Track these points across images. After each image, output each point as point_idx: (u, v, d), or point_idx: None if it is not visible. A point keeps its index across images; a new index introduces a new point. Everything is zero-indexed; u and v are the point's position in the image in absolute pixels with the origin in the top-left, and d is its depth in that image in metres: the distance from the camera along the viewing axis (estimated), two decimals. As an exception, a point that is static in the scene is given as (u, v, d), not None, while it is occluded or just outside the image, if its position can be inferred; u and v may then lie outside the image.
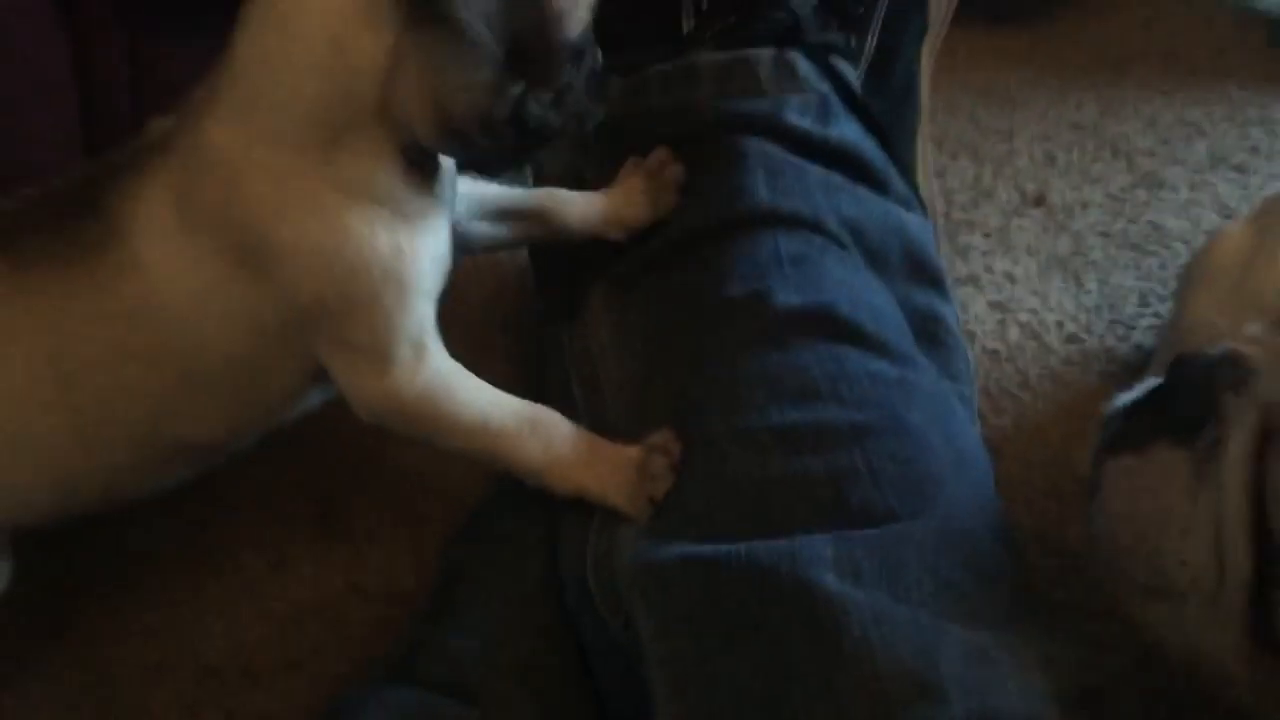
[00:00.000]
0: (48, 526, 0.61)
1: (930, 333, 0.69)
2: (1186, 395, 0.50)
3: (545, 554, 0.62)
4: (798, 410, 0.57)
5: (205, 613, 0.72)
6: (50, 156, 0.75)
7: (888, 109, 0.76)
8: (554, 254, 0.73)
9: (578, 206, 0.67)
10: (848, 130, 0.71)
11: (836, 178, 0.69)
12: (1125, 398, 0.55)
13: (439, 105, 0.53)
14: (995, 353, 0.88)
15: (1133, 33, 1.26)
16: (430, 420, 0.58)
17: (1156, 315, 0.91)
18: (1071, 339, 0.90)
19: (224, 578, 0.74)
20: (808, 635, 0.49)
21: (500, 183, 0.66)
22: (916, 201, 0.74)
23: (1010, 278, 0.95)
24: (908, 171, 0.78)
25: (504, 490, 0.67)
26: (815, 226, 0.65)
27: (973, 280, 0.94)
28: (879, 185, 0.71)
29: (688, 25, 0.73)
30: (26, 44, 0.71)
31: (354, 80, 0.52)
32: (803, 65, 0.71)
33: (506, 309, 0.89)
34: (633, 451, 0.58)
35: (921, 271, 0.71)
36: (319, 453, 0.79)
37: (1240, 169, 1.07)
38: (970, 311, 0.91)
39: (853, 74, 0.74)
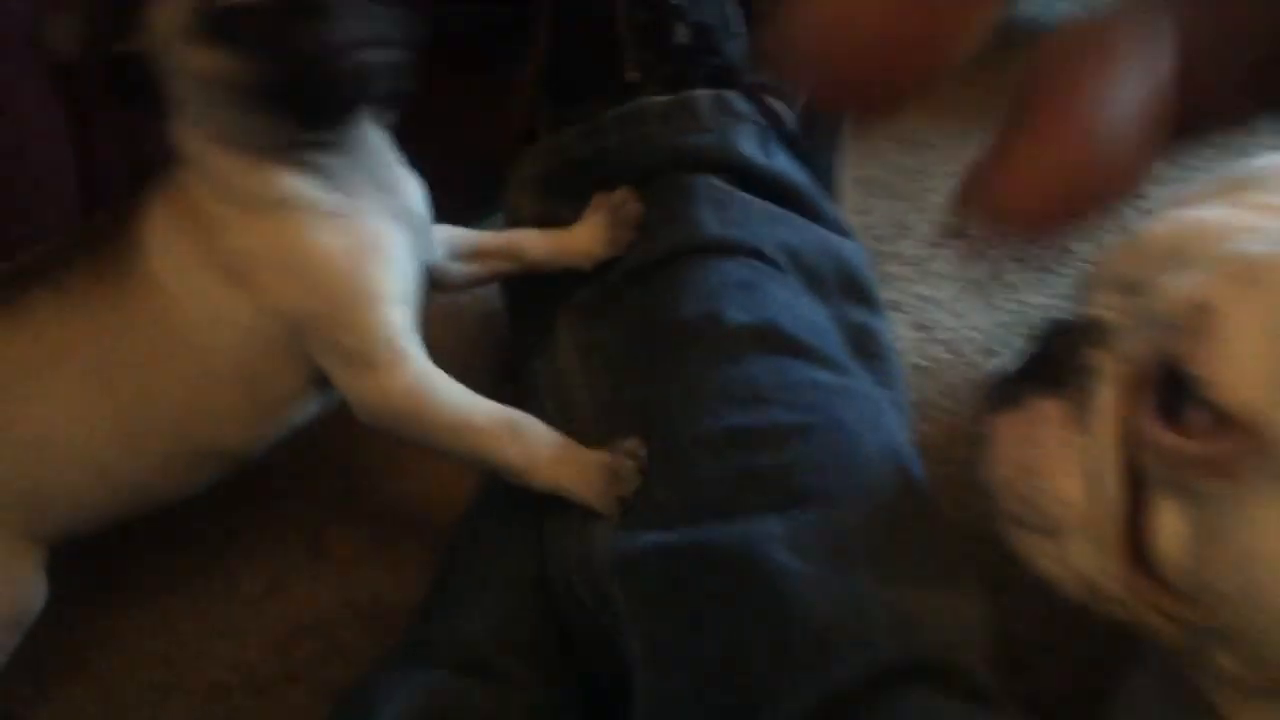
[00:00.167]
0: (89, 534, 0.67)
1: (865, 346, 0.76)
2: (1057, 354, 0.54)
3: (534, 550, 0.68)
4: (748, 414, 0.64)
5: (208, 634, 0.76)
6: (49, 222, 0.80)
7: (816, 142, 0.84)
8: (523, 288, 0.80)
9: (545, 242, 0.74)
10: (784, 162, 0.79)
11: (775, 208, 0.76)
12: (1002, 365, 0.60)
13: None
14: (920, 368, 0.96)
15: (1032, 77, 1.36)
16: (416, 420, 0.63)
17: (1066, 329, 1.00)
18: (989, 353, 0.98)
19: (223, 603, 0.78)
20: (759, 602, 0.56)
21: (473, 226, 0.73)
22: (843, 226, 0.82)
23: (931, 301, 1.03)
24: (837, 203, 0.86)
25: (492, 496, 0.73)
26: (758, 254, 0.72)
27: (896, 306, 1.02)
28: (814, 214, 0.78)
29: (632, 76, 0.80)
30: (24, 116, 0.77)
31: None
32: (739, 103, 0.79)
33: (483, 354, 0.96)
34: (603, 455, 0.64)
35: (855, 291, 0.78)
36: (307, 487, 0.85)
37: (1139, 194, 1.17)
38: (896, 333, 0.98)
39: (786, 110, 0.82)
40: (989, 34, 1.26)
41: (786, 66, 0.58)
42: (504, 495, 0.69)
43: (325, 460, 0.86)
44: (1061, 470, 0.52)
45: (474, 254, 0.74)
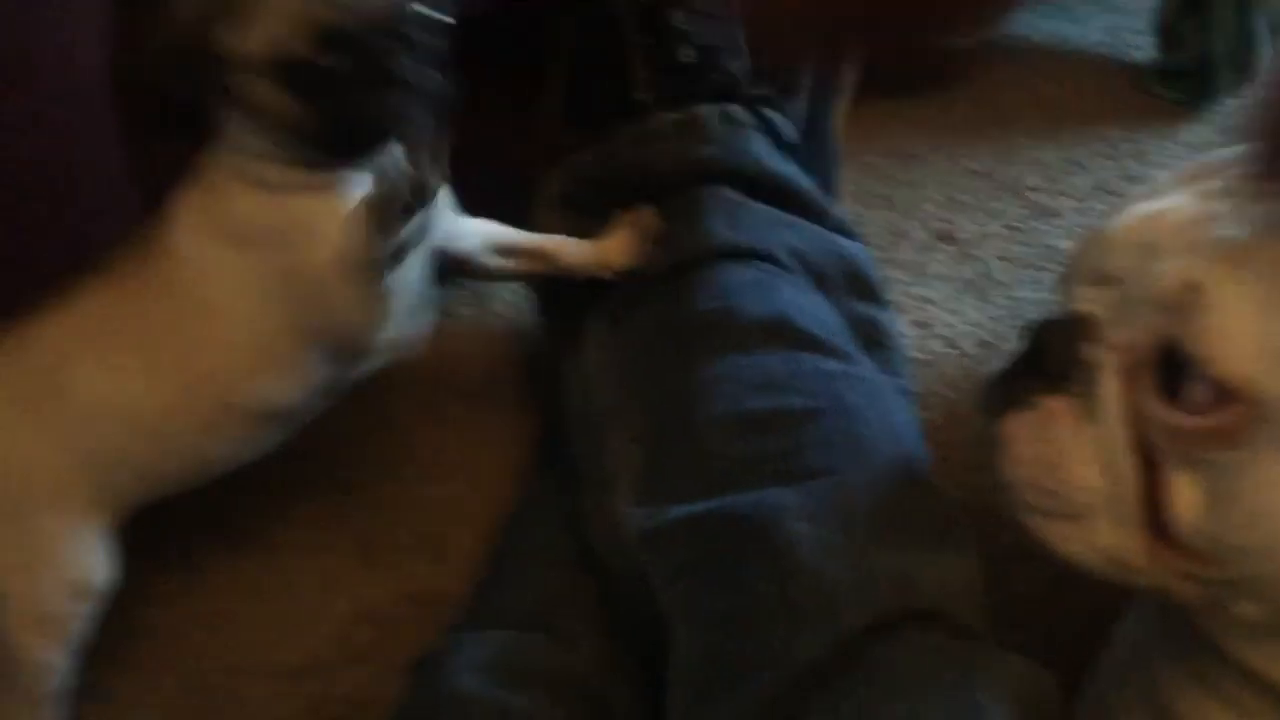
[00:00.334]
0: (155, 499, 0.73)
1: (871, 337, 0.82)
2: (1052, 352, 0.57)
3: (574, 528, 0.75)
4: (761, 400, 0.71)
5: (271, 625, 0.82)
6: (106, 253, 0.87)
7: (815, 155, 0.91)
8: (552, 294, 0.87)
9: (576, 249, 0.81)
10: (788, 169, 0.85)
11: (782, 213, 0.83)
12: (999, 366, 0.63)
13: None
14: (921, 361, 1.02)
15: (1017, 90, 1.43)
16: None
17: (1056, 321, 1.07)
18: (985, 345, 1.05)
19: (284, 598, 0.84)
20: (775, 564, 0.62)
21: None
22: (847, 228, 0.88)
23: (928, 300, 1.10)
24: (836, 209, 0.93)
25: (533, 488, 0.80)
26: (768, 256, 0.79)
27: (896, 305, 1.07)
28: (818, 217, 0.85)
29: (643, 96, 0.87)
30: (82, 147, 0.83)
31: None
32: (744, 116, 0.86)
33: (513, 366, 1.02)
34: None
35: (860, 287, 0.84)
36: (356, 490, 0.91)
37: (1119, 194, 1.23)
38: (897, 333, 1.06)
39: (786, 123, 0.89)
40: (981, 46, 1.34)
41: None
42: (543, 486, 0.76)
43: (374, 464, 0.92)
44: (1078, 460, 0.55)
45: (509, 250, 0.80)
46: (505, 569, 0.76)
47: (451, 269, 0.78)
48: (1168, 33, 1.41)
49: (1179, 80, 1.40)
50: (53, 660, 0.71)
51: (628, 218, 0.82)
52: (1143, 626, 0.66)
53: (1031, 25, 1.57)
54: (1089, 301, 0.57)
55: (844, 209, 0.97)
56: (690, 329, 0.76)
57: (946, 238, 1.19)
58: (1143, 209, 0.57)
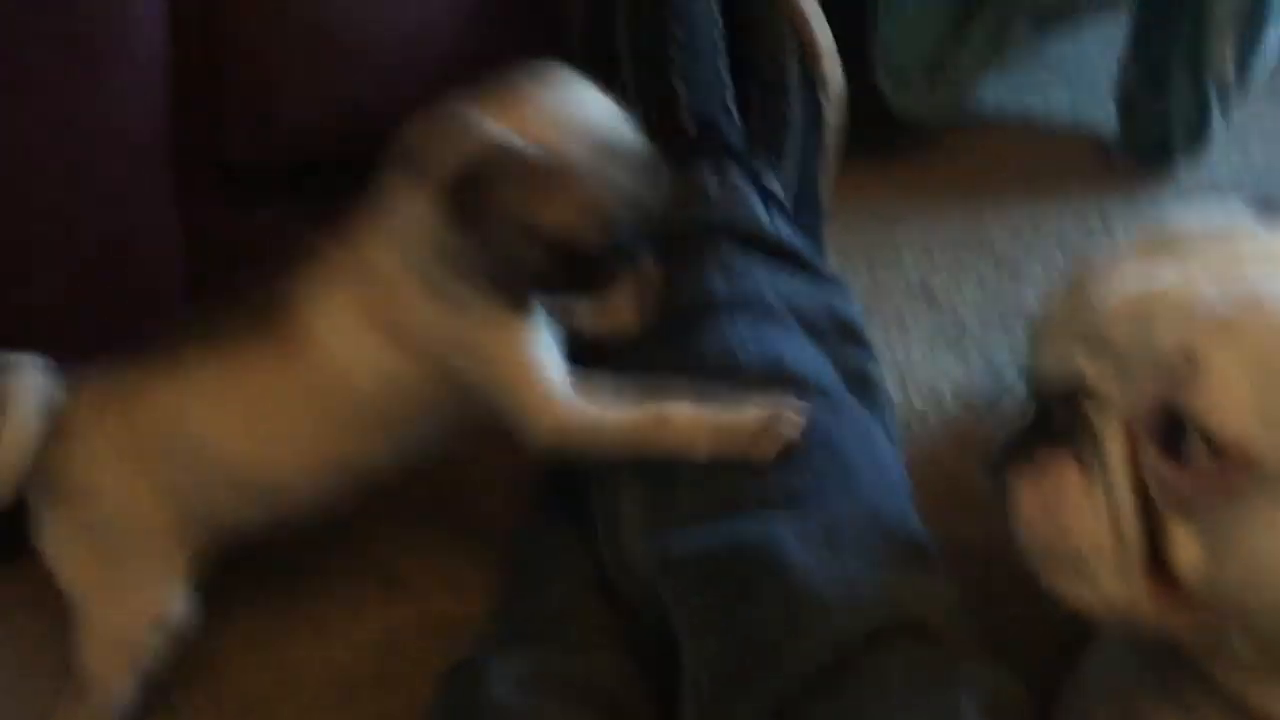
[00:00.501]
0: (237, 542, 0.80)
1: (860, 381, 0.89)
2: (1058, 414, 0.61)
3: (588, 549, 0.81)
4: None
5: (304, 648, 0.89)
6: (157, 309, 0.93)
7: (805, 216, 0.99)
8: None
9: (590, 310, 0.85)
10: (782, 228, 0.92)
11: (777, 268, 0.90)
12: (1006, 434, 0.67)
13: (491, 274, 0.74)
14: (900, 409, 1.09)
15: (990, 157, 1.51)
16: (585, 444, 0.76)
17: (1028, 373, 1.14)
18: (958, 394, 1.12)
19: (312, 628, 0.91)
20: (776, 586, 0.70)
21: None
22: (839, 282, 0.95)
23: (907, 353, 1.17)
24: (825, 265, 1.00)
25: (541, 510, 0.86)
26: (763, 306, 0.86)
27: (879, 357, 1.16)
28: (810, 271, 0.92)
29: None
30: (135, 204, 0.90)
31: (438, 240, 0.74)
32: (740, 180, 0.93)
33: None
34: (749, 416, 0.75)
35: (849, 335, 0.91)
36: (376, 527, 0.98)
37: (1084, 253, 1.32)
38: (883, 380, 1.13)
39: (778, 186, 0.96)
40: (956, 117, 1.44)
41: None
42: (552, 513, 0.83)
43: (394, 495, 0.99)
44: (1085, 516, 0.59)
45: None
46: (523, 589, 0.82)
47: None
48: (1127, 104, 1.51)
49: (1138, 148, 1.49)
50: (123, 684, 0.78)
51: (632, 276, 0.87)
52: (1115, 655, 0.72)
53: (1002, 96, 1.66)
54: (1086, 366, 0.62)
55: (830, 265, 1.05)
56: (692, 370, 0.82)
57: (923, 294, 1.27)
58: (1128, 279, 0.62)
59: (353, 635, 0.90)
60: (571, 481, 0.86)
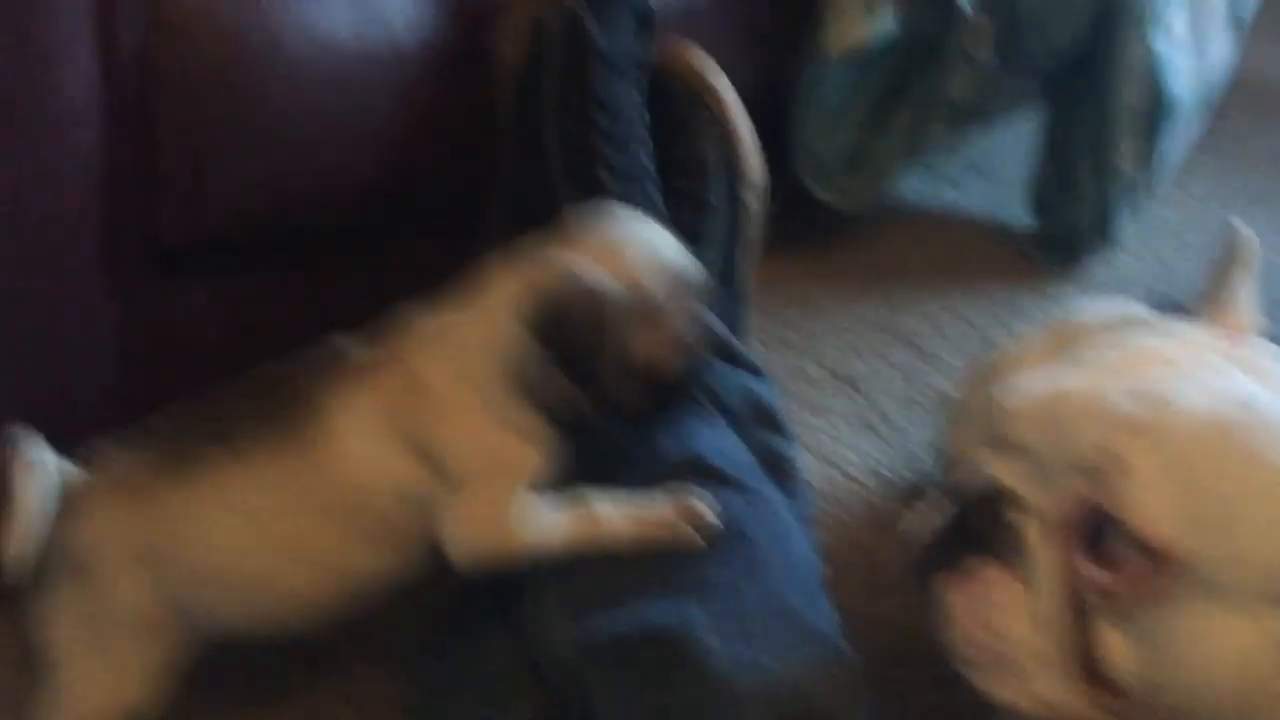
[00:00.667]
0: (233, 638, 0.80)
1: (776, 466, 0.91)
2: (980, 520, 0.62)
3: (513, 638, 0.82)
4: None
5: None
6: (91, 393, 0.93)
7: (726, 303, 1.02)
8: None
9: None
10: (705, 315, 0.95)
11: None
12: (920, 525, 0.68)
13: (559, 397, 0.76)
14: (819, 490, 1.12)
15: (908, 249, 1.57)
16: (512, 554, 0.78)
17: (941, 456, 1.18)
18: (876, 474, 1.15)
19: (233, 702, 0.91)
20: (690, 673, 0.72)
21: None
22: (759, 369, 0.98)
23: (826, 436, 1.21)
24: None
25: (467, 600, 0.87)
26: None
27: (797, 440, 1.19)
28: (730, 358, 0.95)
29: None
30: (71, 289, 0.90)
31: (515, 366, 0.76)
32: None
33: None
34: (668, 507, 0.78)
35: (767, 421, 0.94)
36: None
37: (996, 343, 1.36)
38: (799, 463, 1.16)
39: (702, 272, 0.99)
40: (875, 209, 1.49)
41: None
42: (478, 598, 0.84)
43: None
44: (1014, 619, 0.59)
45: None
46: (451, 675, 0.83)
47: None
48: (1039, 201, 1.57)
49: (1049, 243, 1.55)
50: None
51: None
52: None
53: (921, 192, 1.72)
54: (1001, 469, 0.63)
55: (752, 351, 1.08)
56: (612, 459, 0.84)
57: (843, 379, 1.30)
58: (1040, 385, 0.63)
59: (279, 715, 0.89)
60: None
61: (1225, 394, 0.59)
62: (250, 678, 0.92)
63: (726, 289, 1.04)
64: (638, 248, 0.78)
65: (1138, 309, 0.96)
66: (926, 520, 0.67)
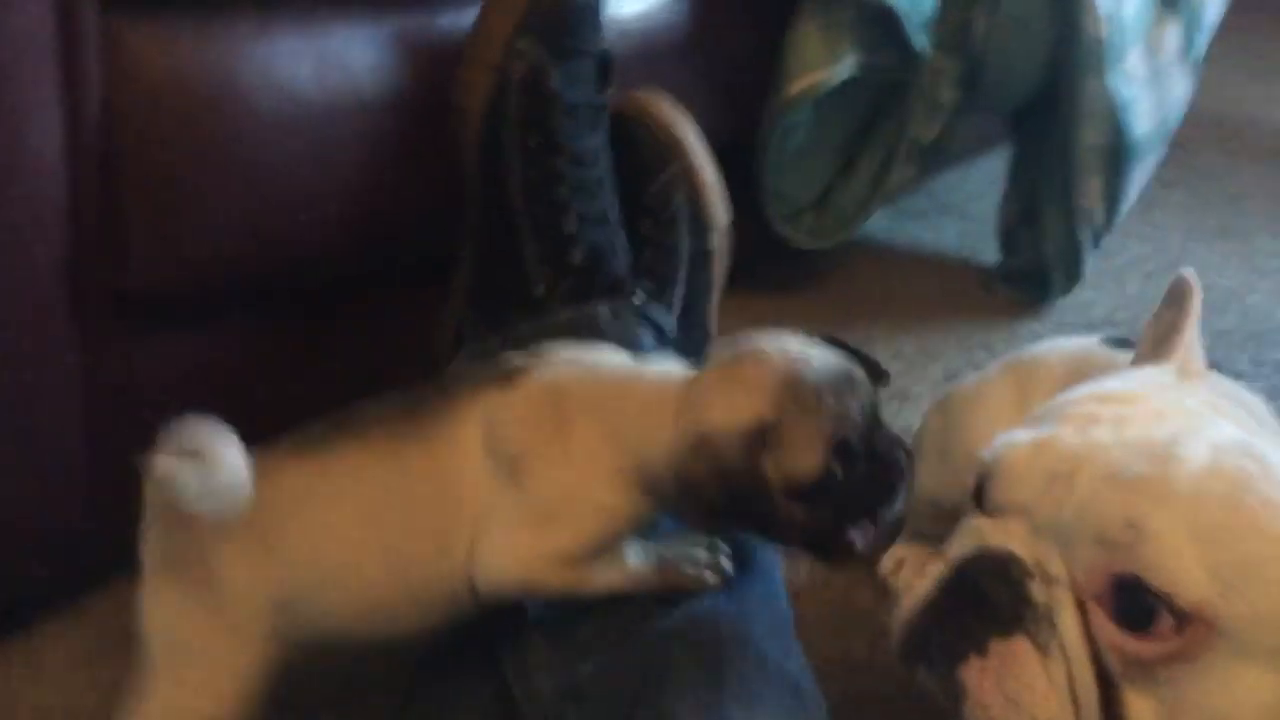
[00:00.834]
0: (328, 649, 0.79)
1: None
2: (997, 595, 0.59)
3: (490, 685, 0.81)
4: None
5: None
6: (55, 445, 0.92)
7: (693, 344, 1.03)
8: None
9: None
10: (667, 363, 0.96)
11: None
12: (907, 600, 0.65)
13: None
14: (792, 528, 1.13)
15: (879, 287, 1.59)
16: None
17: (911, 493, 1.18)
18: (848, 515, 1.16)
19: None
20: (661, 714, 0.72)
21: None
22: None
23: (799, 475, 1.21)
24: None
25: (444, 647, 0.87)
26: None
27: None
28: None
29: (539, 292, 0.97)
30: (39, 345, 0.89)
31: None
32: (630, 312, 0.96)
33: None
34: (682, 557, 0.78)
35: None
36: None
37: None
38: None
39: (667, 318, 1.00)
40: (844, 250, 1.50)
41: None
42: (453, 641, 0.84)
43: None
44: (1044, 694, 0.57)
45: None
46: (423, 714, 0.83)
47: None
48: (1008, 240, 1.59)
49: (1018, 281, 1.57)
50: None
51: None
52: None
53: (891, 230, 1.75)
54: (1000, 534, 0.61)
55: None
56: None
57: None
58: (1032, 442, 0.61)
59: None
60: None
61: (1225, 444, 0.59)
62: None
63: (692, 330, 1.05)
64: (792, 374, 0.73)
65: (1093, 346, 0.98)
66: (911, 589, 0.65)
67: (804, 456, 0.71)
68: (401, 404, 0.78)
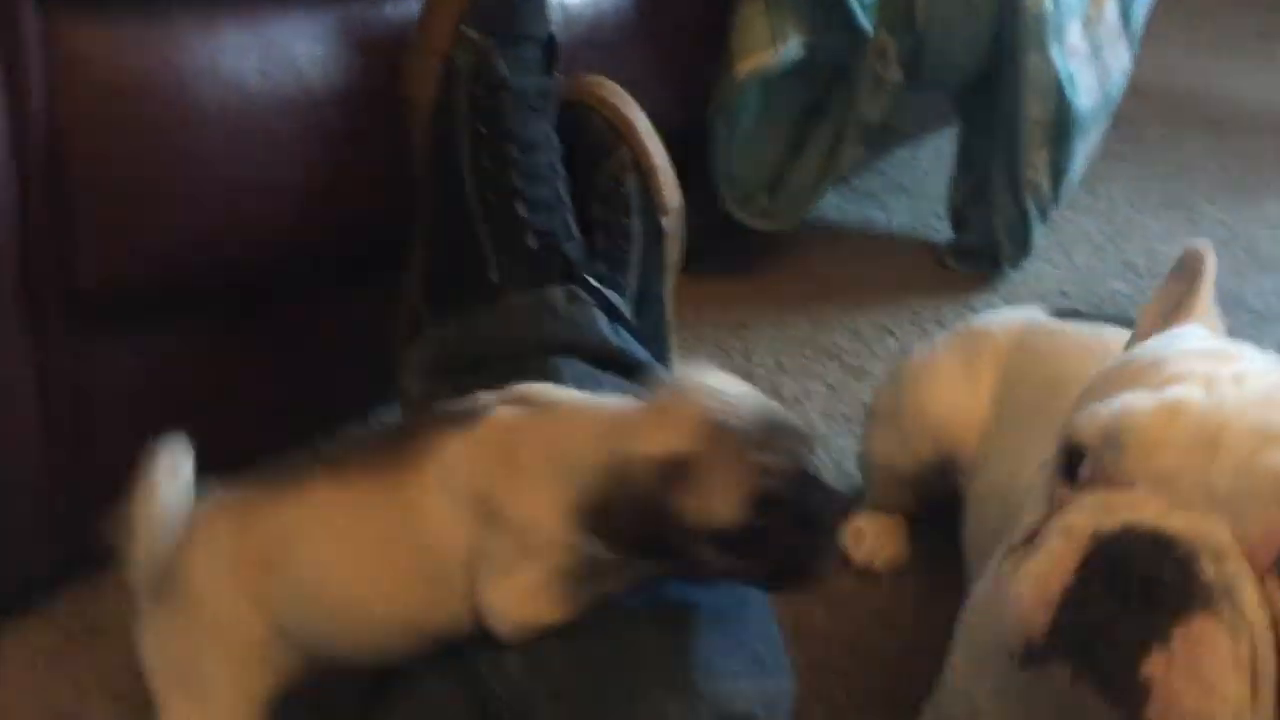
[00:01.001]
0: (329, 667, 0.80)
1: None
2: (1170, 579, 0.53)
3: (461, 681, 0.80)
4: None
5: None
6: (10, 445, 0.91)
7: (648, 327, 1.04)
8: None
9: None
10: (625, 341, 0.96)
11: (624, 381, 0.92)
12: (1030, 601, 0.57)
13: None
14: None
15: (833, 267, 1.60)
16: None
17: (870, 467, 1.20)
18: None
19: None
20: (627, 701, 0.74)
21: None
22: None
23: (759, 453, 1.23)
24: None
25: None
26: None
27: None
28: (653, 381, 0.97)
29: (494, 277, 0.97)
30: None
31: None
32: (585, 295, 0.96)
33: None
34: None
35: None
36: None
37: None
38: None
39: (621, 301, 1.00)
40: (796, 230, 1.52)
41: None
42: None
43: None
44: (1230, 674, 0.53)
45: None
46: (391, 715, 0.83)
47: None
48: (958, 217, 1.61)
49: (970, 257, 1.59)
50: None
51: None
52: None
53: (844, 211, 1.76)
54: (1132, 510, 0.56)
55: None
56: None
57: (774, 397, 1.31)
58: (1164, 406, 0.56)
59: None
60: None
61: None
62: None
63: (646, 311, 1.06)
64: (704, 403, 0.73)
65: (1037, 316, 1.00)
66: (1024, 575, 0.58)
67: (722, 503, 0.70)
68: (377, 443, 0.80)
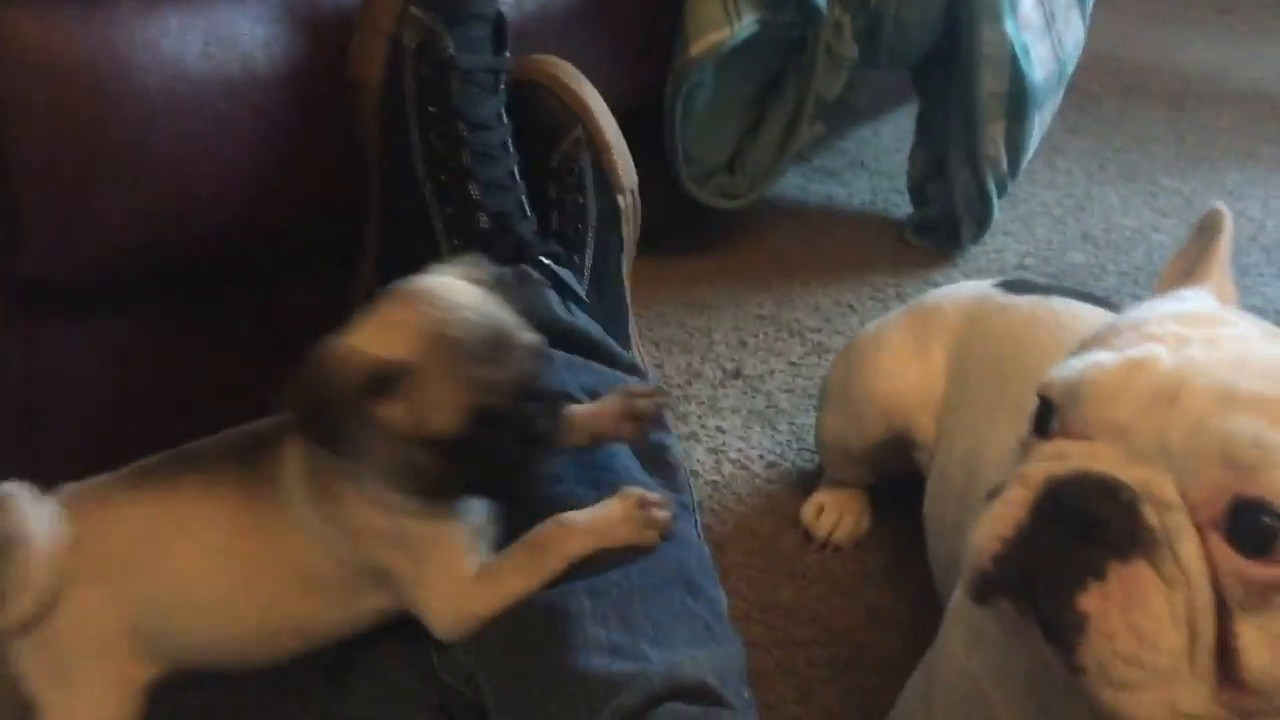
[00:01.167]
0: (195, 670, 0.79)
1: (658, 459, 0.93)
2: (1114, 521, 0.54)
3: (413, 654, 0.82)
4: None
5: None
6: None
7: (606, 307, 1.04)
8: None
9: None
10: (579, 320, 0.96)
11: (577, 358, 0.93)
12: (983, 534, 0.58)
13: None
14: (714, 482, 1.14)
15: (795, 244, 1.60)
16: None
17: (831, 442, 1.20)
18: (771, 465, 1.18)
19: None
20: (569, 663, 0.74)
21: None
22: (637, 368, 1.00)
23: (721, 430, 1.23)
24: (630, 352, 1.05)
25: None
26: (566, 397, 0.88)
27: (692, 436, 1.21)
28: (609, 360, 0.96)
29: (446, 257, 0.97)
30: None
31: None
32: (537, 275, 0.97)
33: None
34: (616, 506, 0.80)
35: None
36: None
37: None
38: (693, 458, 1.17)
39: (573, 278, 1.00)
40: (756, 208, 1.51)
41: None
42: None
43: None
44: (1164, 622, 0.53)
45: None
46: (347, 693, 0.83)
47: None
48: (918, 192, 1.62)
49: (931, 232, 1.60)
50: None
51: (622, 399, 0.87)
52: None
53: (805, 188, 1.76)
54: (1087, 458, 0.57)
55: (633, 352, 1.10)
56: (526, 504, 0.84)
57: (736, 375, 1.32)
58: (1123, 361, 0.57)
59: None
60: None
61: None
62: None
63: (604, 290, 1.05)
64: (418, 317, 0.74)
65: (987, 290, 1.00)
66: (988, 516, 0.59)
67: (438, 414, 0.71)
68: (237, 443, 0.79)
